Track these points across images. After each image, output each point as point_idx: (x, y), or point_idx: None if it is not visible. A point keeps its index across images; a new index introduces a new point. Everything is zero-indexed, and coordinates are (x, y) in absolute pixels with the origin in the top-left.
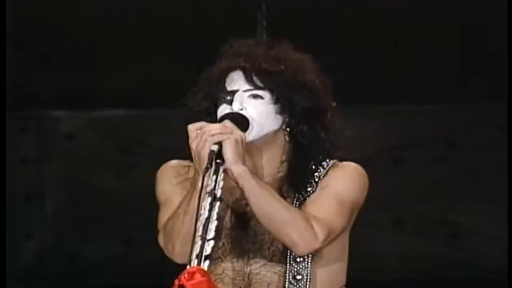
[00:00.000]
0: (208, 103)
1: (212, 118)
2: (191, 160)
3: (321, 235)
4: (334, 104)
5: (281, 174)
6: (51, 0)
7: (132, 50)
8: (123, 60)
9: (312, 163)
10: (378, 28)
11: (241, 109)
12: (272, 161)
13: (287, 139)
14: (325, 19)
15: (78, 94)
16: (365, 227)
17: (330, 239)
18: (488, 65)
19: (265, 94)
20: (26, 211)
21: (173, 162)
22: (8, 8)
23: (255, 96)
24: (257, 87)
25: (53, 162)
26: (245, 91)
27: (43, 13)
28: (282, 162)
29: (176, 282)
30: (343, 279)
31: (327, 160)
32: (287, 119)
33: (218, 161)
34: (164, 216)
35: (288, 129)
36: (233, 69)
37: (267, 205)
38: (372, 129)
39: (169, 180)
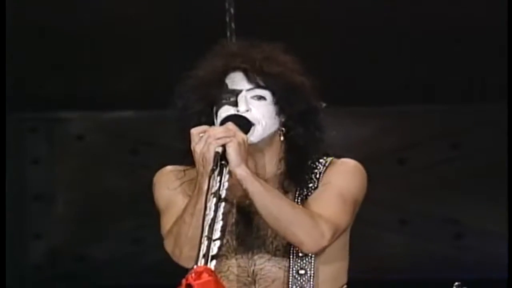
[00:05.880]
0: (203, 104)
1: (208, 119)
2: (187, 165)
3: (327, 233)
4: (324, 104)
5: (280, 170)
6: (61, 2)
7: (141, 52)
8: (131, 62)
9: (309, 160)
10: (383, 29)
11: (247, 111)
12: (271, 160)
13: (282, 139)
14: (329, 22)
15: (88, 96)
16: (370, 227)
17: (335, 237)
18: (492, 66)
19: (267, 94)
20: (36, 211)
21: (169, 167)
22: (18, 10)
23: (259, 98)
24: (260, 87)
25: (63, 163)
26: (248, 90)
27: (53, 15)
28: (280, 160)
29: (184, 281)
30: (344, 278)
31: (324, 158)
32: (283, 120)
33: (222, 162)
34: (167, 221)
35: (283, 129)
36: (233, 69)
37: (272, 206)
38: (378, 130)
39: (167, 185)
